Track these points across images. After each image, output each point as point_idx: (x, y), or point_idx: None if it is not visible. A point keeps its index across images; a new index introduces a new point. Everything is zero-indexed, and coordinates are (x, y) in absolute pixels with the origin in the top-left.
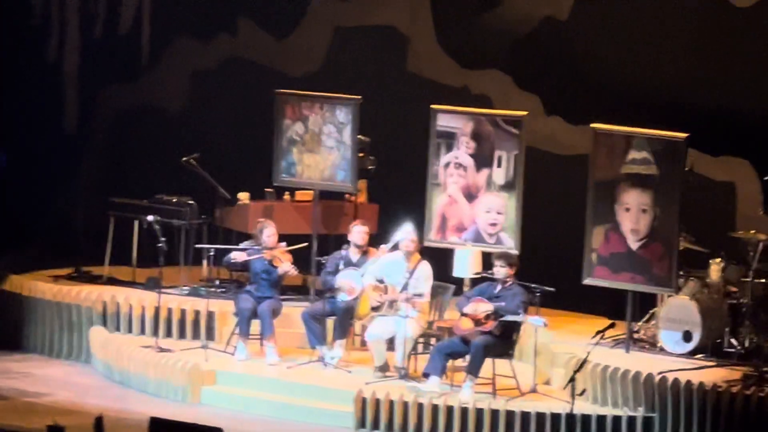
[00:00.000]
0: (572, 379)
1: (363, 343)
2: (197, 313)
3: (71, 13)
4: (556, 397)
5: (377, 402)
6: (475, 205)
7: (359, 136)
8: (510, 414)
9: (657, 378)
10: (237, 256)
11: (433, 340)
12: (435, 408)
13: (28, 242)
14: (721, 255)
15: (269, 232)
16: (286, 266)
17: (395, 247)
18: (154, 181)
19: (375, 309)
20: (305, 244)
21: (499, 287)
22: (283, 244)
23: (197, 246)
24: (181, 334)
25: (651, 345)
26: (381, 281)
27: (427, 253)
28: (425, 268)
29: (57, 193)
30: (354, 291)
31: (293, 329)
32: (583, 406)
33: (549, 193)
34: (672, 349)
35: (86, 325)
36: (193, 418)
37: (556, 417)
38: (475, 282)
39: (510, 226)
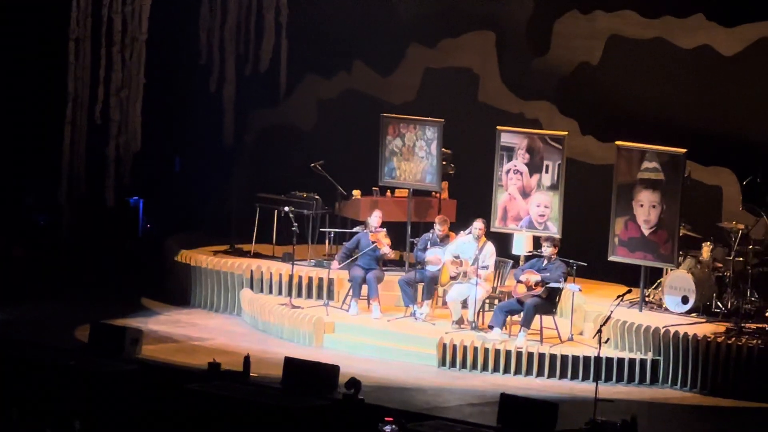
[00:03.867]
0: (599, 331)
1: (444, 303)
2: (321, 279)
3: (228, 55)
4: (587, 344)
5: (454, 347)
6: (529, 201)
7: (443, 149)
8: (553, 356)
9: (662, 330)
10: (335, 265)
11: (496, 301)
12: (497, 351)
13: (194, 226)
14: (711, 239)
15: (377, 214)
16: (386, 249)
17: (469, 232)
18: (289, 181)
19: (453, 278)
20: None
21: (545, 262)
22: (383, 229)
23: (321, 230)
24: (309, 295)
25: (658, 306)
26: (457, 257)
27: (492, 236)
28: (490, 247)
29: (216, 189)
30: (438, 263)
31: (392, 292)
32: (607, 351)
33: (583, 192)
34: (673, 309)
35: (237, 288)
36: (317, 358)
37: (587, 359)
38: (527, 258)
39: (554, 217)
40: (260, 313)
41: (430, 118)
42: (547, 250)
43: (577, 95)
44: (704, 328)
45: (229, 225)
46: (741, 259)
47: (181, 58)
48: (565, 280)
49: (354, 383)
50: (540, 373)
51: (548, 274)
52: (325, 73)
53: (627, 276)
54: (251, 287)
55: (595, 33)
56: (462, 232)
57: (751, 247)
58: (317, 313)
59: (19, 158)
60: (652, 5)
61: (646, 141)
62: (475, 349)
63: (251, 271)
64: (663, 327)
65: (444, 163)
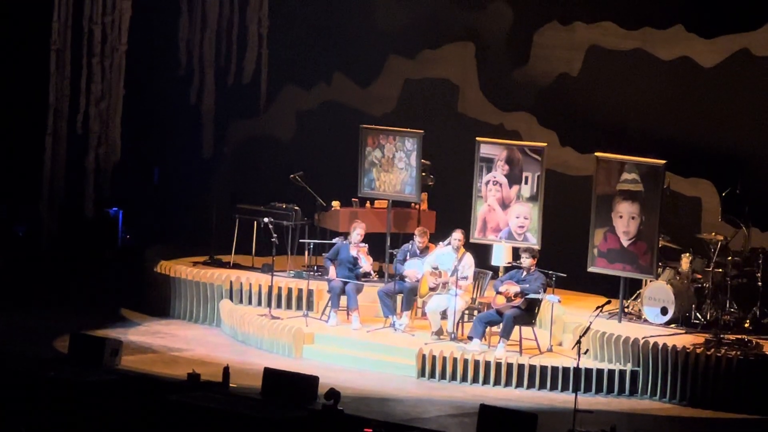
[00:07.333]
0: (578, 342)
1: (423, 314)
2: (300, 290)
3: (208, 66)
4: (566, 355)
5: (434, 357)
6: (508, 212)
7: (422, 160)
8: (532, 367)
9: (641, 341)
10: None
11: (475, 312)
12: (476, 362)
13: (174, 237)
14: (690, 251)
15: (359, 230)
16: (367, 267)
17: (449, 243)
18: (269, 192)
19: (432, 289)
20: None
21: (524, 273)
22: (364, 245)
23: (301, 240)
24: (288, 306)
25: (637, 317)
26: (436, 268)
27: (472, 247)
28: (469, 259)
29: (196, 201)
30: (416, 276)
31: (371, 303)
32: (586, 362)
33: (563, 204)
34: (653, 320)
35: (217, 299)
36: (297, 369)
37: (566, 370)
38: (507, 269)
39: (533, 228)
40: (240, 324)
41: (409, 130)
42: (526, 261)
43: (556, 106)
44: (683, 339)
45: (208, 236)
46: (720, 270)
47: (160, 68)
48: (545, 291)
49: (333, 394)
50: (519, 384)
51: (527, 285)
52: (305, 84)
53: (606, 287)
54: (231, 298)
55: (575, 44)
56: (441, 243)
57: (730, 258)
58: (297, 324)
59: None
60: (631, 16)
61: (625, 152)
62: (455, 360)
63: (231, 282)
64: (642, 338)
65: (423, 174)
